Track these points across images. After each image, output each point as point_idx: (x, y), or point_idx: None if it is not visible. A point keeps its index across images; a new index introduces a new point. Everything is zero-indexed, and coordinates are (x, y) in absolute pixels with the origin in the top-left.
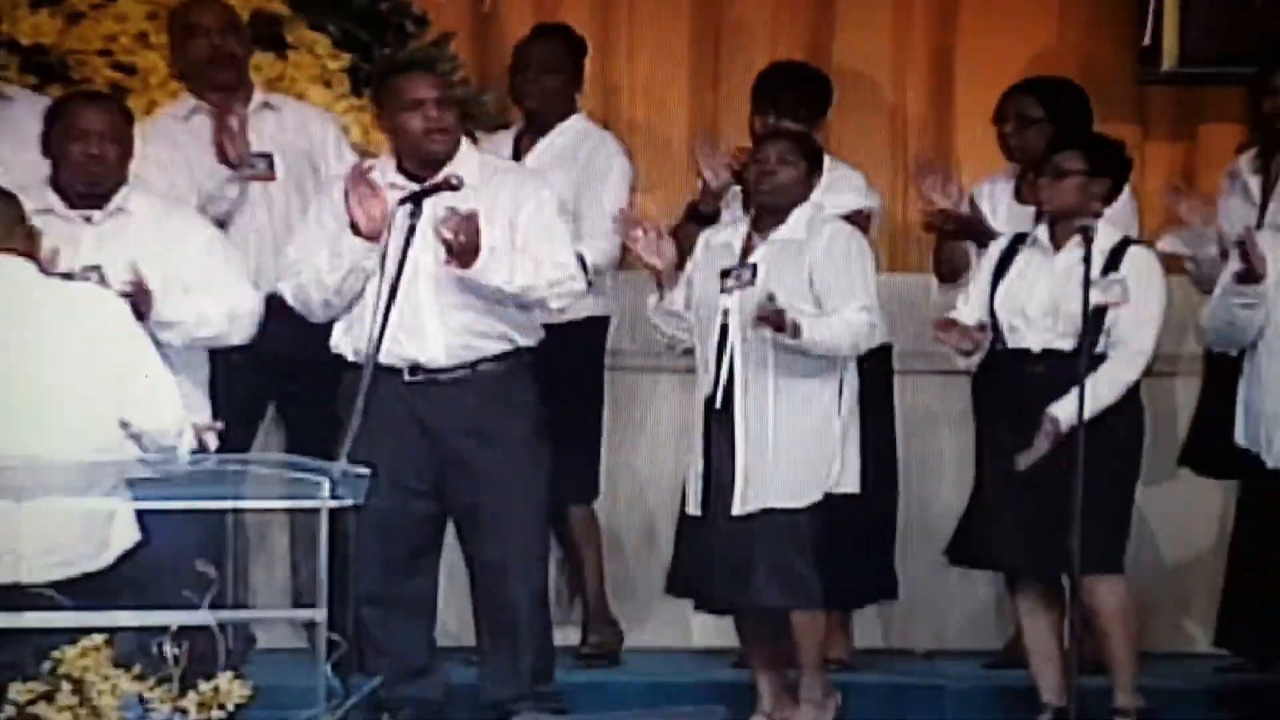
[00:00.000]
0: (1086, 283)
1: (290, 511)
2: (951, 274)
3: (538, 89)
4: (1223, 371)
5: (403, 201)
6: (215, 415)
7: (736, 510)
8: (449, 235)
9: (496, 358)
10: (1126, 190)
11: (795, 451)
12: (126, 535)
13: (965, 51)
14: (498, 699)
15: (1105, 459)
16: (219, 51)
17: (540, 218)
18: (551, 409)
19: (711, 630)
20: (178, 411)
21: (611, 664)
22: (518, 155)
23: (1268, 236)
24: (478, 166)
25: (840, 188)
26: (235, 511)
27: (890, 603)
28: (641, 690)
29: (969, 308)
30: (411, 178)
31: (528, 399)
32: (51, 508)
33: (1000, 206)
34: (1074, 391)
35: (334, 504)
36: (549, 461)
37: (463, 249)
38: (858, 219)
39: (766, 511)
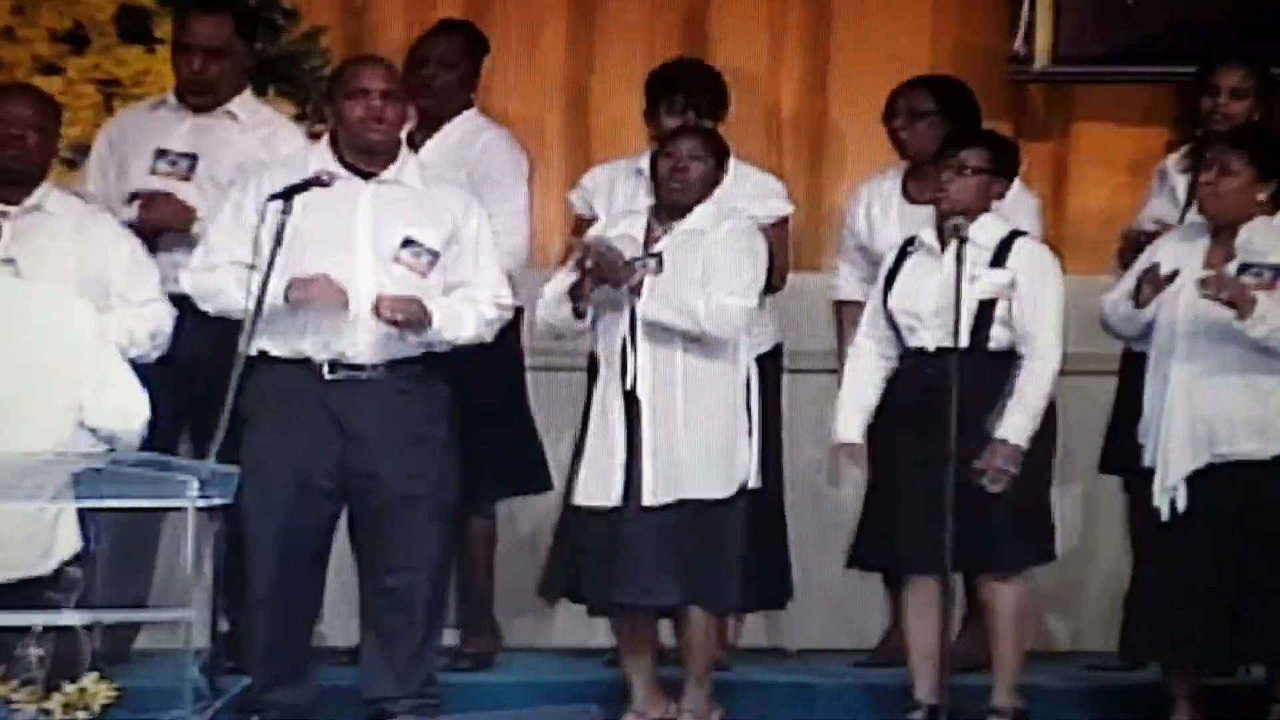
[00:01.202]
0: (958, 287)
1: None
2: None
3: (436, 85)
4: (1137, 371)
5: (273, 198)
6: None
7: (649, 500)
8: (391, 317)
9: (415, 358)
10: (1017, 184)
11: (708, 441)
12: (70, 543)
13: (840, 52)
14: (378, 697)
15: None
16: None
17: (481, 240)
18: (478, 406)
19: (585, 630)
20: (143, 410)
21: (488, 666)
22: (411, 150)
23: (1176, 236)
24: (416, 171)
25: (765, 194)
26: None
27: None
28: (517, 690)
29: (871, 310)
30: (348, 167)
31: (441, 399)
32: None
33: (891, 207)
34: (1011, 407)
35: (201, 503)
36: (459, 462)
37: (409, 324)
38: (781, 225)
39: (682, 503)
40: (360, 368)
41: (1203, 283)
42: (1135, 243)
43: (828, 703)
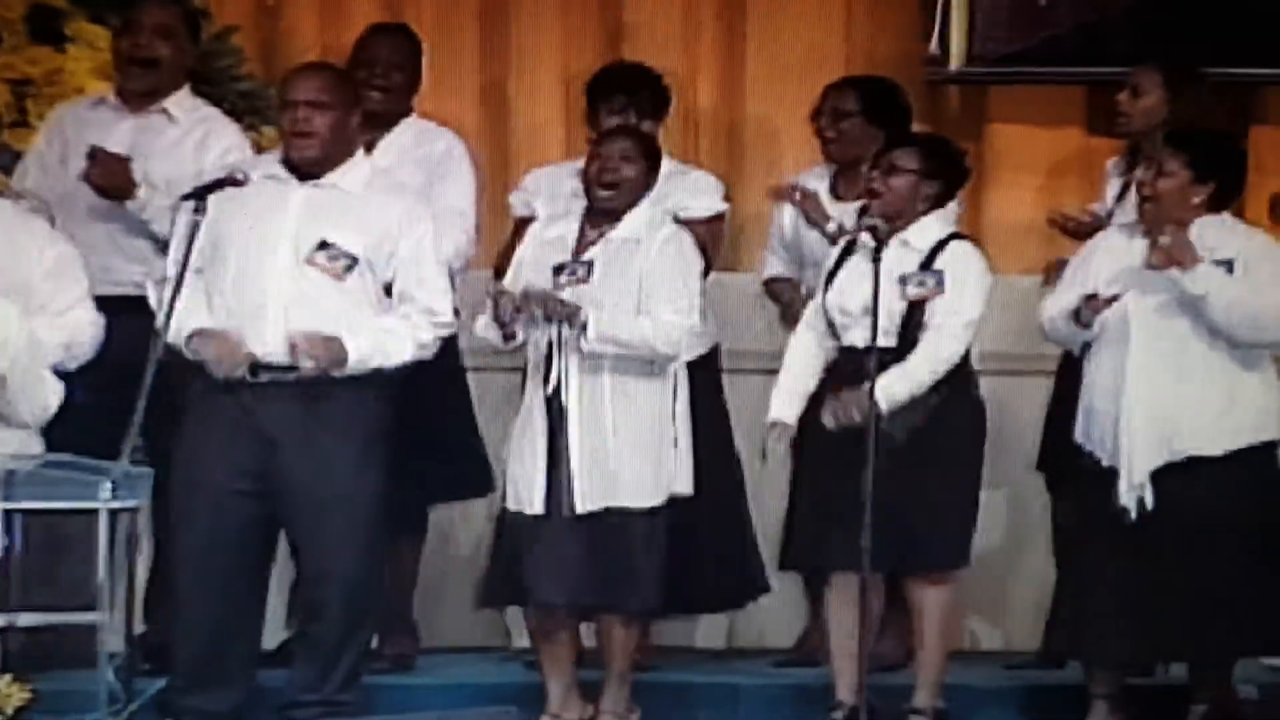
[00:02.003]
0: (876, 283)
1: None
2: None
3: (386, 84)
4: (1074, 372)
5: (185, 198)
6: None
7: (577, 509)
8: (309, 364)
9: None
10: None
11: (634, 450)
12: None
13: (754, 52)
14: (299, 702)
15: (947, 458)
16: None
17: (422, 253)
18: (418, 410)
19: (504, 631)
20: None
21: (408, 667)
22: None
23: (1110, 238)
24: (367, 177)
25: (701, 191)
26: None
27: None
28: (436, 692)
29: (808, 315)
30: (293, 170)
31: (370, 405)
32: None
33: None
34: (894, 370)
35: (114, 505)
36: (386, 470)
37: (325, 366)
38: (717, 221)
39: (609, 511)
40: (280, 370)
41: (1152, 253)
42: (1063, 227)
43: (750, 702)
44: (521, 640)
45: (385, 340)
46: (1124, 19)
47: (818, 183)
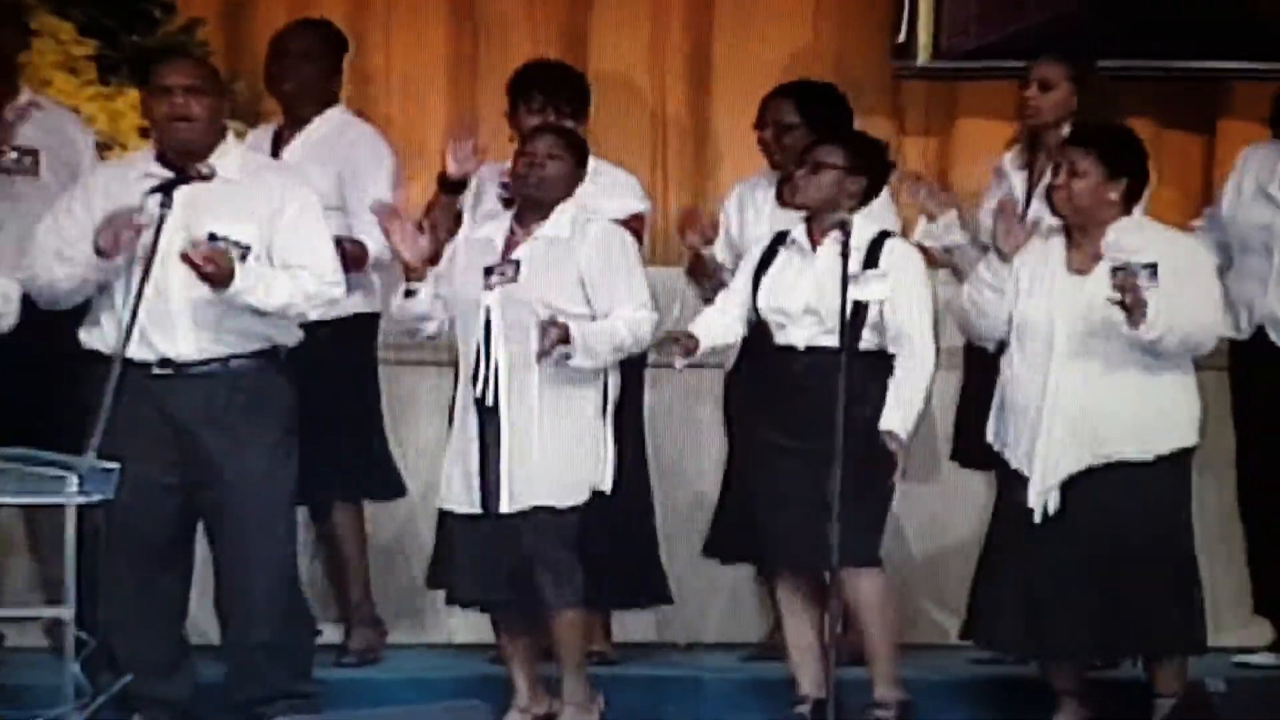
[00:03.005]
0: (844, 278)
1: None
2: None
3: (295, 77)
4: (983, 364)
5: (153, 191)
6: None
7: (505, 508)
8: (200, 264)
9: (250, 355)
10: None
11: (561, 449)
12: None
13: (722, 51)
14: (247, 699)
15: (865, 452)
16: None
17: (302, 222)
18: (326, 408)
19: (470, 626)
20: None
21: (373, 662)
22: (278, 147)
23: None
24: (239, 161)
25: (618, 191)
26: None
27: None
28: (401, 686)
29: (721, 304)
30: (169, 166)
31: (279, 397)
32: None
33: (764, 208)
34: (895, 400)
35: (81, 500)
36: (296, 462)
37: (213, 276)
38: (634, 222)
39: (536, 510)
40: (186, 365)
41: (1113, 275)
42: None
43: (716, 696)
44: (485, 635)
45: (269, 280)
46: (1090, 13)
47: (765, 188)
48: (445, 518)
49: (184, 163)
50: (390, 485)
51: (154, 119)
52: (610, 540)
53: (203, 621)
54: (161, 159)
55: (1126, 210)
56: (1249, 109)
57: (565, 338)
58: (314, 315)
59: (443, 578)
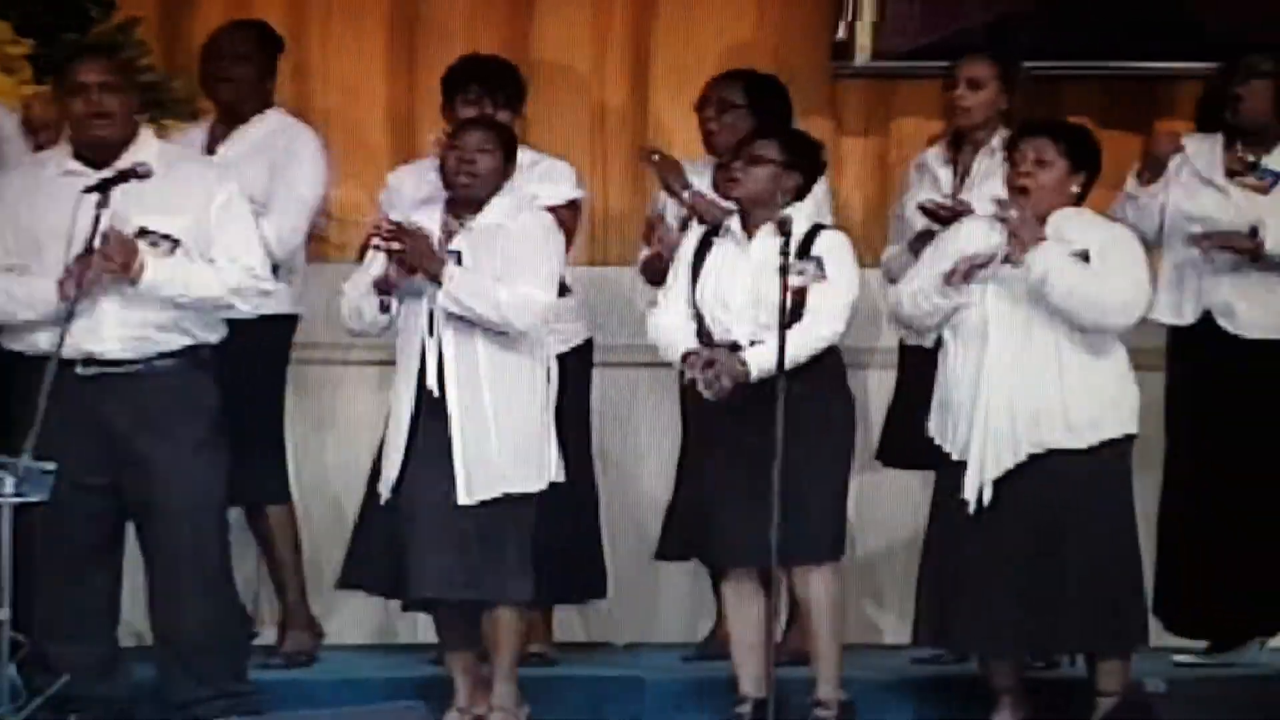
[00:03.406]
0: (784, 271)
1: None
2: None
3: (229, 77)
4: (916, 364)
5: (89, 190)
6: None
7: (461, 500)
8: (109, 260)
9: (174, 353)
10: (822, 183)
11: (514, 438)
12: None
13: (663, 44)
14: (183, 700)
15: (818, 449)
16: None
17: (229, 214)
18: (234, 409)
19: (409, 626)
20: None
21: (308, 663)
22: (213, 146)
23: (967, 227)
24: (157, 155)
25: (555, 178)
26: None
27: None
28: (339, 687)
29: (668, 303)
30: (89, 164)
31: (206, 396)
32: None
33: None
34: (770, 347)
35: (17, 500)
36: (226, 460)
37: (124, 269)
38: (570, 208)
39: (495, 500)
40: (113, 364)
41: (1000, 203)
42: (933, 214)
43: (656, 697)
44: (425, 635)
45: (189, 272)
46: (1032, 12)
47: (701, 174)
48: (378, 513)
49: (101, 158)
50: (275, 490)
51: (70, 116)
52: (553, 534)
53: (138, 622)
54: (78, 156)
55: (1078, 203)
56: (1188, 109)
57: (458, 262)
58: (245, 308)
59: (359, 571)
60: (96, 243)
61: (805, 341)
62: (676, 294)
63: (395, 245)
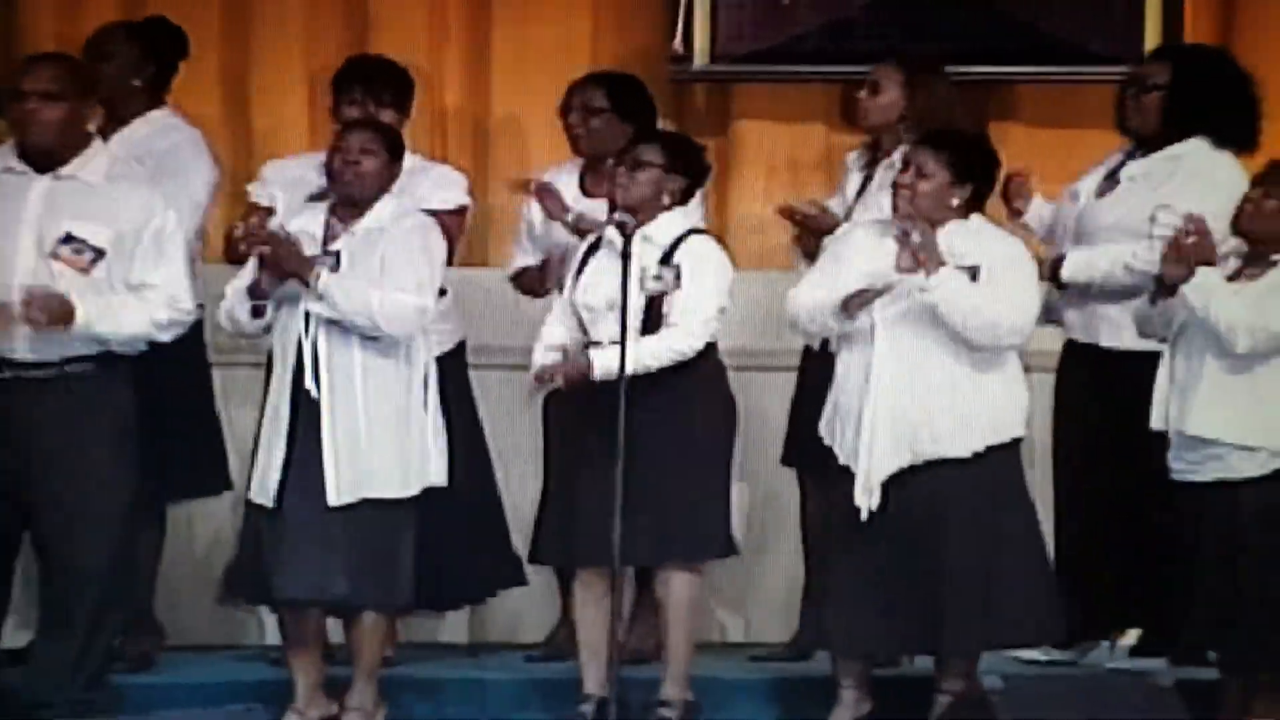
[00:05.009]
0: (624, 277)
1: None
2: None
3: (111, 79)
4: (816, 366)
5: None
6: None
7: (331, 501)
8: (36, 318)
9: (87, 358)
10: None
11: (389, 440)
12: None
13: (501, 48)
14: (45, 701)
15: (700, 451)
16: None
17: (162, 242)
18: (156, 407)
19: (249, 628)
20: None
21: (149, 666)
22: None
23: (860, 233)
24: (105, 167)
25: (445, 184)
26: None
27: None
28: (178, 690)
29: (559, 307)
30: (31, 163)
31: (118, 400)
32: None
33: (566, 199)
34: (627, 349)
35: None
36: (135, 463)
37: (53, 322)
38: (456, 215)
39: (364, 502)
40: (24, 366)
41: (901, 255)
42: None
43: (499, 698)
44: (264, 638)
45: (118, 309)
46: (866, 17)
47: (567, 178)
48: (256, 514)
49: (45, 164)
50: (218, 480)
51: (10, 120)
52: (458, 534)
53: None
54: (24, 156)
55: (966, 215)
56: (1029, 112)
57: (337, 264)
58: (166, 339)
59: (245, 582)
60: (17, 298)
61: (657, 351)
62: (564, 299)
63: (264, 249)
